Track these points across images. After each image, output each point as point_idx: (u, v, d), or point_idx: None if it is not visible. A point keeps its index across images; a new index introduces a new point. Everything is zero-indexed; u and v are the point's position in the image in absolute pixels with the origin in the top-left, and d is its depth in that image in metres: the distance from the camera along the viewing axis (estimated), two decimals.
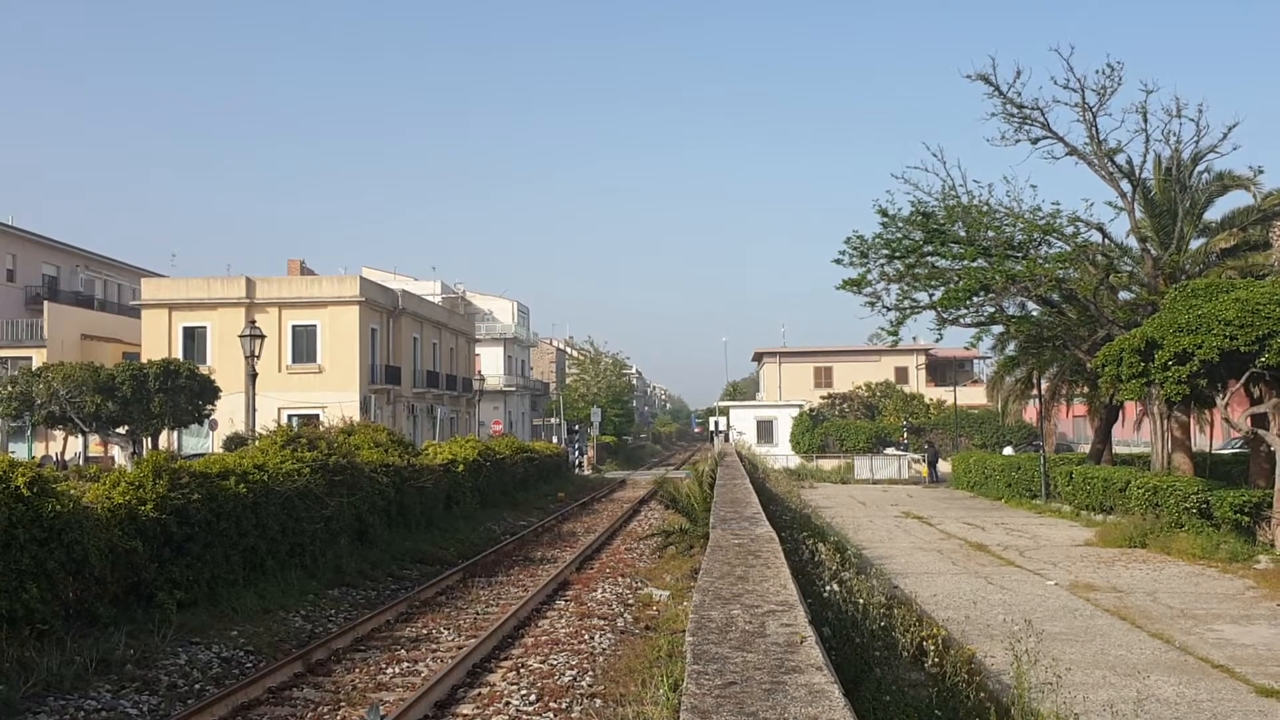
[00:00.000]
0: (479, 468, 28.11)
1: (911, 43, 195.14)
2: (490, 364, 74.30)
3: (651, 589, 15.85)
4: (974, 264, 26.40)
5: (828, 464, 50.46)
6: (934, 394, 64.48)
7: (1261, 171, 25.69)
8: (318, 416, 40.12)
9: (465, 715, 9.49)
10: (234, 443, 35.50)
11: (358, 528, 18.58)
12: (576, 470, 53.80)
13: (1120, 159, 25.98)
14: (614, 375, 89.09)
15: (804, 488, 36.87)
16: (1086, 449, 37.10)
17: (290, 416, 42.07)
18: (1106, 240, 26.79)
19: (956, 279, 26.98)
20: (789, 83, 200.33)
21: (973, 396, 60.52)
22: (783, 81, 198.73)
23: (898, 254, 27.79)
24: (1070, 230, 26.17)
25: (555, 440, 61.06)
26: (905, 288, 28.11)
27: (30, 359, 43.58)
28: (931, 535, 23.24)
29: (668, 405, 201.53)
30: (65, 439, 38.70)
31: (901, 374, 68.81)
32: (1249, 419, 19.45)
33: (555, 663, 11.28)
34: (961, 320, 28.01)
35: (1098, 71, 25.97)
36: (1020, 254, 26.24)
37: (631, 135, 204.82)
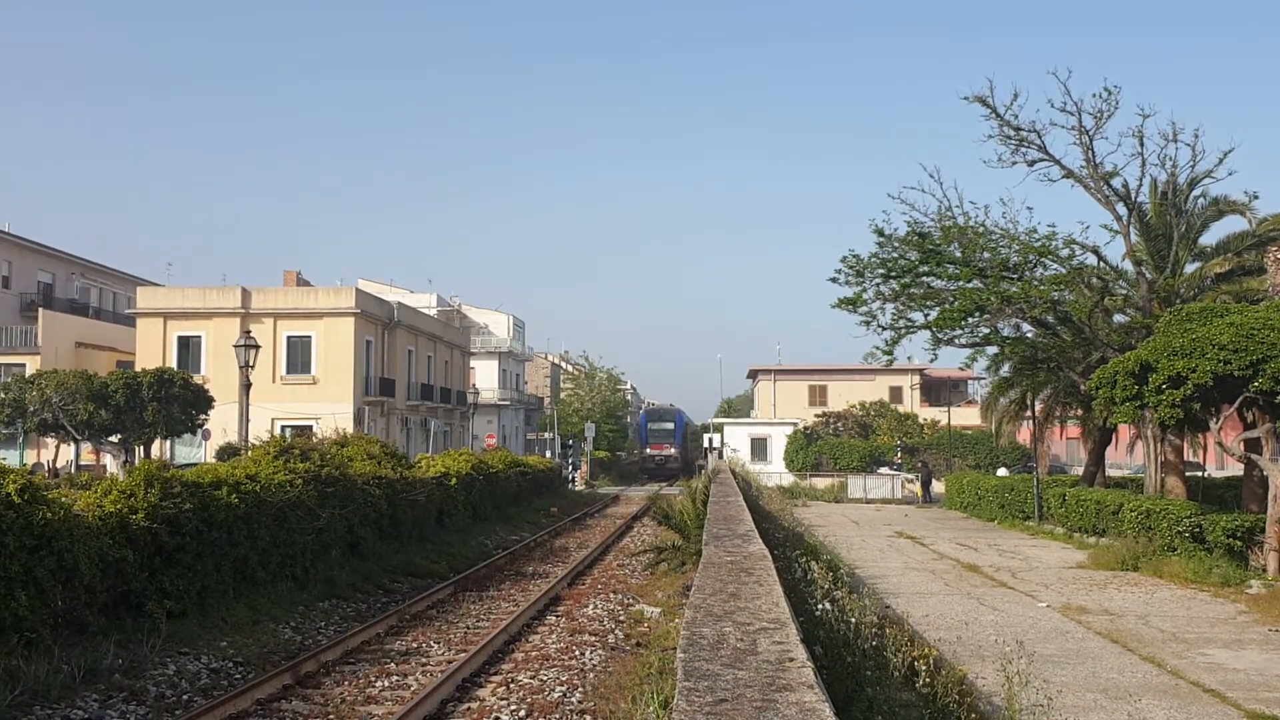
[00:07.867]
0: (472, 481, 28.05)
1: (910, 64, 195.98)
2: (485, 377, 74.24)
3: (643, 605, 15.82)
4: (969, 285, 26.48)
5: (821, 482, 50.43)
6: (928, 414, 64.51)
7: (1257, 197, 25.89)
8: (311, 428, 40.01)
9: None
10: (227, 453, 35.47)
11: (349, 540, 18.52)
12: (570, 485, 53.71)
13: (1116, 182, 26.14)
14: (608, 390, 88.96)
15: (797, 506, 36.82)
16: (1080, 471, 37.13)
17: (284, 427, 41.93)
18: (1102, 263, 26.91)
19: (952, 299, 27.04)
20: (784, 100, 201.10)
21: (967, 417, 60.58)
22: (778, 99, 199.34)
23: (893, 274, 27.86)
24: (1066, 252, 26.28)
25: (549, 455, 60.97)
26: (900, 307, 28.17)
27: (24, 366, 43.50)
28: (924, 555, 23.22)
29: None
30: (57, 447, 38.59)
31: (896, 393, 68.85)
32: (1242, 443, 19.50)
33: (545, 678, 11.24)
34: (956, 341, 28.08)
35: (1095, 95, 26.08)
36: (1016, 275, 26.32)
37: (629, 151, 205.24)
